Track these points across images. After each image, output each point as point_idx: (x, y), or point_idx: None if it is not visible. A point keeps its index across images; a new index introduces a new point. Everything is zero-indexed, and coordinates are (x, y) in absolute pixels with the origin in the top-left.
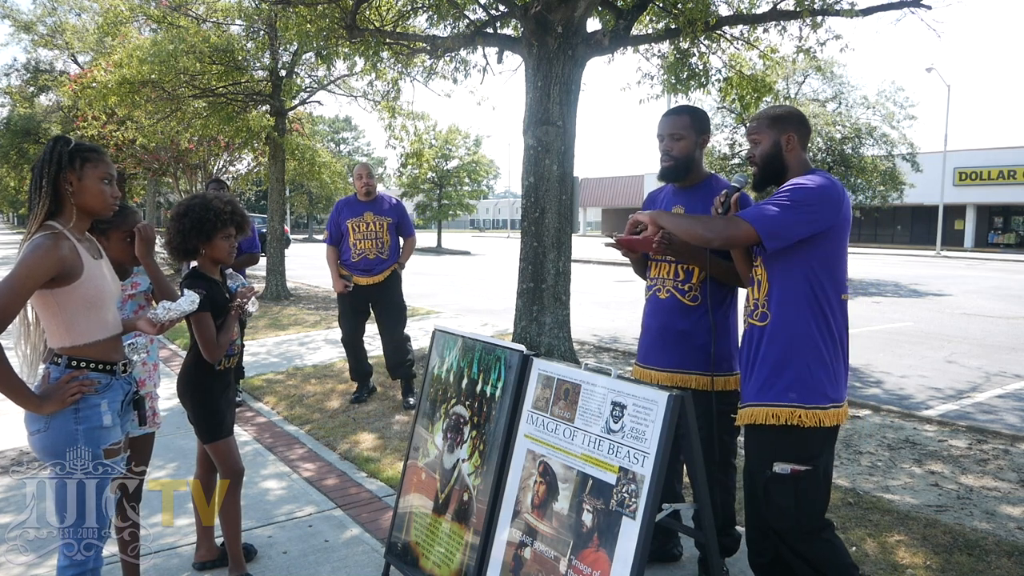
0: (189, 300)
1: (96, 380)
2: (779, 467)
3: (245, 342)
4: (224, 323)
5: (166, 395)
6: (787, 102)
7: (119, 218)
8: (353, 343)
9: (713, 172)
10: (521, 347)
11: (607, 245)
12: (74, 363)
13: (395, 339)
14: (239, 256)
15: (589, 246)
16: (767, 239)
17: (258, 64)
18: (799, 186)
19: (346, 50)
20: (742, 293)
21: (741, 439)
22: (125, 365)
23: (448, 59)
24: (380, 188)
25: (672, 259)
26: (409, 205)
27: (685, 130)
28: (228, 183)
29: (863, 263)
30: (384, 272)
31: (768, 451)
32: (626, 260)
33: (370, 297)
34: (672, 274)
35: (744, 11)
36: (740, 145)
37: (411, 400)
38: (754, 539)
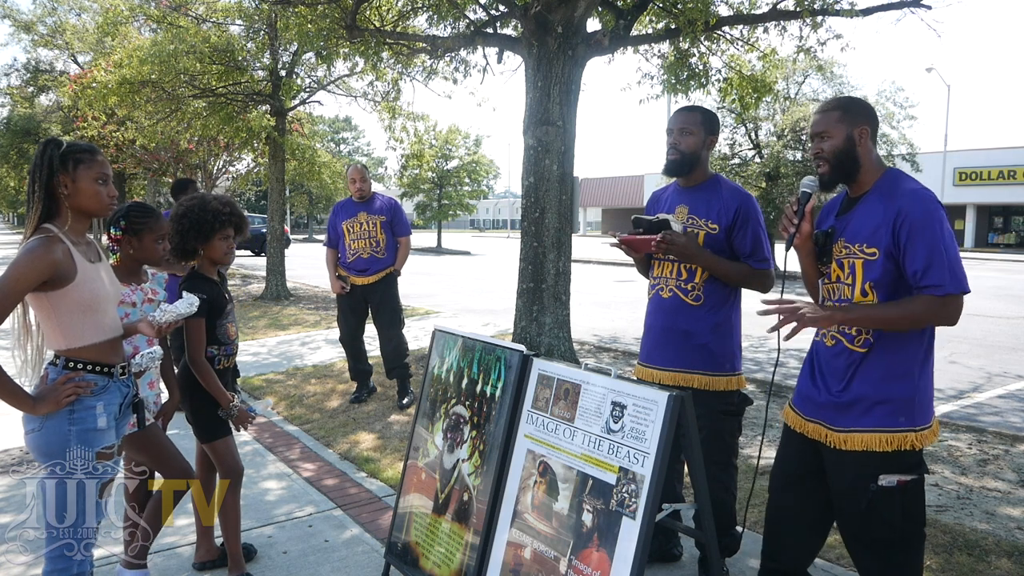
0: (187, 303)
1: (92, 382)
2: (885, 480)
3: (246, 342)
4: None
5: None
6: (787, 102)
7: (153, 220)
8: (351, 343)
9: (718, 173)
10: (521, 347)
11: (611, 245)
12: (71, 364)
13: (390, 339)
14: None
15: (589, 246)
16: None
17: (258, 64)
18: (938, 215)
19: (346, 50)
20: (749, 294)
21: (742, 439)
22: (124, 367)
23: (448, 59)
24: (379, 188)
25: (675, 258)
26: (409, 205)
27: (695, 126)
28: (195, 180)
29: None
30: (379, 273)
31: (872, 466)
32: (626, 260)
33: (366, 297)
34: (675, 273)
35: (744, 11)
36: (740, 145)
37: (406, 400)
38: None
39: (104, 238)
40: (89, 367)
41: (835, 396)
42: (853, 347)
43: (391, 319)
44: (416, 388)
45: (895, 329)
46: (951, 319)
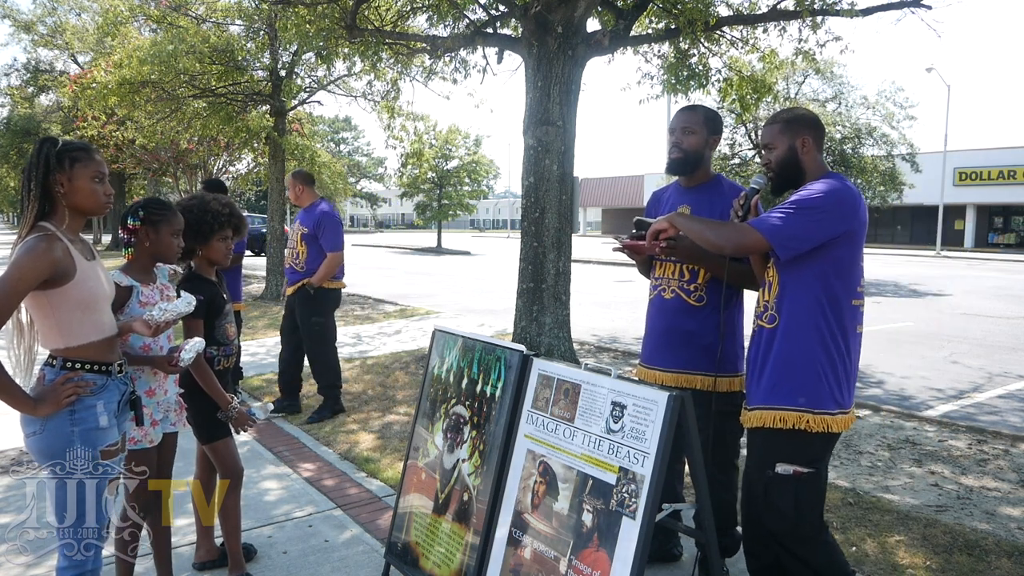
0: (186, 302)
1: (91, 381)
2: (782, 468)
3: (245, 342)
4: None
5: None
6: (787, 102)
7: (171, 214)
8: (286, 359)
9: (720, 173)
10: (521, 347)
11: (614, 250)
12: (69, 364)
13: (311, 355)
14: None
15: (589, 246)
16: (778, 247)
17: (258, 64)
18: (808, 193)
19: (346, 50)
20: (751, 295)
21: (743, 439)
22: (120, 365)
23: (448, 59)
24: (379, 188)
25: (677, 260)
26: (409, 205)
27: (698, 126)
28: (227, 184)
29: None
30: (295, 285)
31: (773, 452)
32: (626, 260)
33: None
34: (677, 274)
35: (744, 11)
36: (740, 145)
37: (316, 416)
38: (752, 543)
39: (120, 231)
40: (87, 366)
41: (753, 377)
42: (764, 324)
43: (307, 337)
44: (414, 389)
45: (704, 243)
46: (741, 245)
